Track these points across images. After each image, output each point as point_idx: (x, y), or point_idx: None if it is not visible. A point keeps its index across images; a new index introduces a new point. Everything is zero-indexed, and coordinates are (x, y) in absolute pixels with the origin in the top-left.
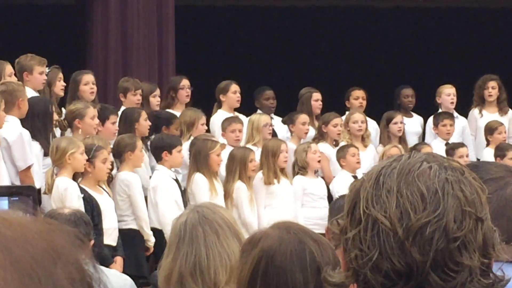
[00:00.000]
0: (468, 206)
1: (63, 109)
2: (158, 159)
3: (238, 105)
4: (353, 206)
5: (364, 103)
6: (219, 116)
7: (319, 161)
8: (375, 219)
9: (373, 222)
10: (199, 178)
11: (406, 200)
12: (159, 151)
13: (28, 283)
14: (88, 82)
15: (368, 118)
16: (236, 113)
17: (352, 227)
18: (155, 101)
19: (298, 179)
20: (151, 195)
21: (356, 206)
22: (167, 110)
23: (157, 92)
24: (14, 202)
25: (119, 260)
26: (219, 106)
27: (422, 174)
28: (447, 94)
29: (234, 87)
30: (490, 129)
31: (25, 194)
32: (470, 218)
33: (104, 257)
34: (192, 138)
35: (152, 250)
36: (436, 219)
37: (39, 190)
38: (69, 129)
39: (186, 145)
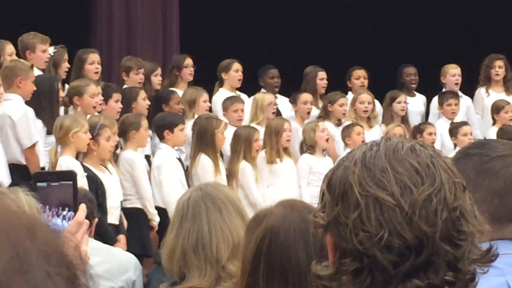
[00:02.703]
0: (455, 177)
1: (66, 85)
2: (161, 138)
3: (239, 84)
4: (341, 193)
5: (366, 82)
6: (220, 94)
7: (327, 140)
8: (376, 199)
9: (374, 202)
10: (205, 160)
11: (403, 176)
12: (161, 129)
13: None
14: (93, 62)
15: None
16: (238, 92)
17: (349, 213)
18: (156, 80)
19: (305, 158)
20: (155, 174)
21: (347, 192)
22: (169, 88)
23: (159, 71)
24: (54, 188)
25: (122, 238)
26: (221, 85)
27: (409, 151)
28: (452, 75)
29: (236, 65)
30: (496, 108)
31: (65, 179)
32: (459, 188)
33: (109, 236)
34: (196, 116)
35: (156, 229)
36: (436, 191)
37: (44, 168)
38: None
39: (189, 124)
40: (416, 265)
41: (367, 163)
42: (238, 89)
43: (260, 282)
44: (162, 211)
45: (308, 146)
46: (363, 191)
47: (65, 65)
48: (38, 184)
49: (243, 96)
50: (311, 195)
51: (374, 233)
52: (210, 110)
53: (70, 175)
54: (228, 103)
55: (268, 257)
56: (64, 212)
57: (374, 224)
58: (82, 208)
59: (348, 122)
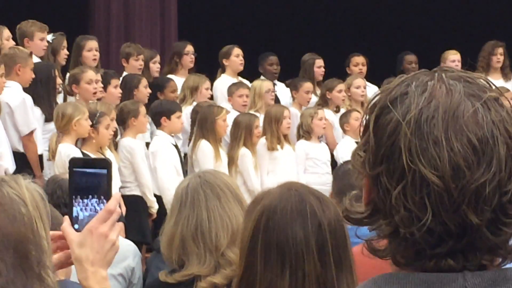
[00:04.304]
0: None
1: (68, 74)
2: (158, 124)
3: (241, 68)
4: (388, 153)
5: (364, 69)
6: (222, 81)
7: (323, 128)
8: (424, 177)
9: (421, 179)
10: (205, 145)
11: (458, 155)
12: (157, 116)
13: None
14: (91, 49)
15: (370, 84)
16: (240, 78)
17: (393, 181)
18: (155, 67)
19: (301, 144)
20: (150, 160)
21: (394, 154)
22: (169, 75)
23: (157, 58)
24: (88, 175)
25: (121, 226)
26: (223, 71)
27: (470, 119)
28: (452, 61)
29: (237, 50)
30: None
31: (100, 167)
32: None
33: None
34: (195, 103)
35: (155, 216)
36: (491, 175)
37: (41, 155)
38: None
39: (188, 110)
40: (454, 249)
41: (422, 127)
42: (238, 75)
43: (258, 260)
44: (158, 198)
45: (304, 131)
46: (412, 163)
47: (64, 52)
48: (74, 169)
49: (245, 82)
50: (308, 182)
51: (416, 214)
52: (212, 97)
53: (105, 164)
54: (233, 88)
55: (266, 234)
56: (94, 200)
57: (417, 205)
58: (116, 197)
59: (343, 109)
